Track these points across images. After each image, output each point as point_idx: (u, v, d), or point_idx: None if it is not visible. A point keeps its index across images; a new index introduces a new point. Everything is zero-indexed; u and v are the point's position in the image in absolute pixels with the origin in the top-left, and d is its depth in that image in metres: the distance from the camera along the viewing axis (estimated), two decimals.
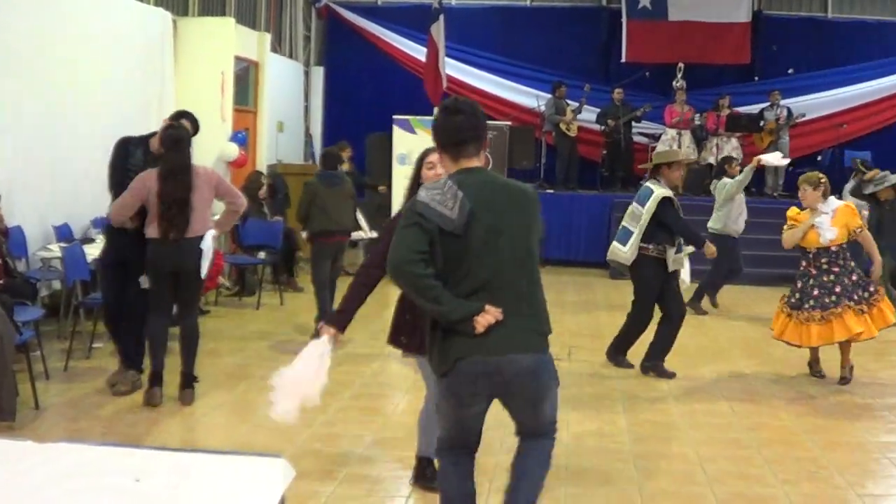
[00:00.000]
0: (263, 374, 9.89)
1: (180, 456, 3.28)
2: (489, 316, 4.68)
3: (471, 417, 4.97)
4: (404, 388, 9.73)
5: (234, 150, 16.04)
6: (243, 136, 16.80)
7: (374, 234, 15.52)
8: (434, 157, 6.04)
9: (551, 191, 20.22)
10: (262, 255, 14.98)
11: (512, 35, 22.70)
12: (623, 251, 10.40)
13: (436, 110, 5.10)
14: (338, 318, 5.76)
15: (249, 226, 14.96)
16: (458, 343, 4.74)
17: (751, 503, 6.74)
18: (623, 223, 10.53)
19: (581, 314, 14.43)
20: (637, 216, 10.28)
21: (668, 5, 22.12)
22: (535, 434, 5.10)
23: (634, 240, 10.28)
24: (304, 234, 12.47)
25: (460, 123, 4.88)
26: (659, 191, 10.26)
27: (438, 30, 19.73)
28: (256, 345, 11.66)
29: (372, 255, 6.03)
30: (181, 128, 8.87)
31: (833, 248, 10.06)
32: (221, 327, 12.56)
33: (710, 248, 10.52)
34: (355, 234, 13.01)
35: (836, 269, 10.03)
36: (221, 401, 8.95)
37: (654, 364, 10.50)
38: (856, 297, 9.88)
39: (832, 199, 10.24)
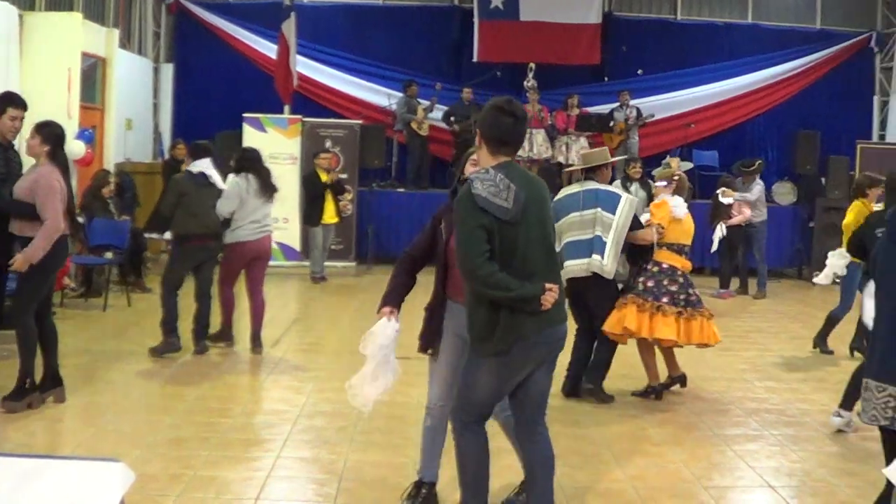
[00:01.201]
0: (110, 377, 10.01)
1: (18, 461, 3.23)
2: (552, 294, 5.32)
3: (510, 388, 5.59)
4: (252, 388, 9.87)
5: (80, 148, 15.88)
6: (90, 134, 16.64)
7: None
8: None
9: (402, 190, 20.50)
10: (108, 255, 14.78)
11: (364, 33, 22.84)
12: (605, 264, 9.49)
13: (486, 108, 5.47)
14: (390, 298, 6.46)
15: (96, 225, 14.83)
16: (523, 321, 5.30)
17: (599, 496, 6.96)
18: (581, 234, 9.58)
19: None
20: (607, 224, 9.49)
21: (520, 6, 22.46)
22: (541, 407, 5.71)
23: (612, 251, 9.48)
24: (165, 236, 12.00)
25: (512, 127, 5.39)
26: (625, 194, 9.79)
27: (290, 28, 19.81)
28: (102, 347, 11.55)
29: (415, 242, 6.39)
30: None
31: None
32: (67, 329, 12.31)
33: None
34: None
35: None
36: (66, 404, 8.85)
37: (597, 387, 9.95)
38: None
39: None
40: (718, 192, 16.90)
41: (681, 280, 9.74)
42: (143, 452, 7.50)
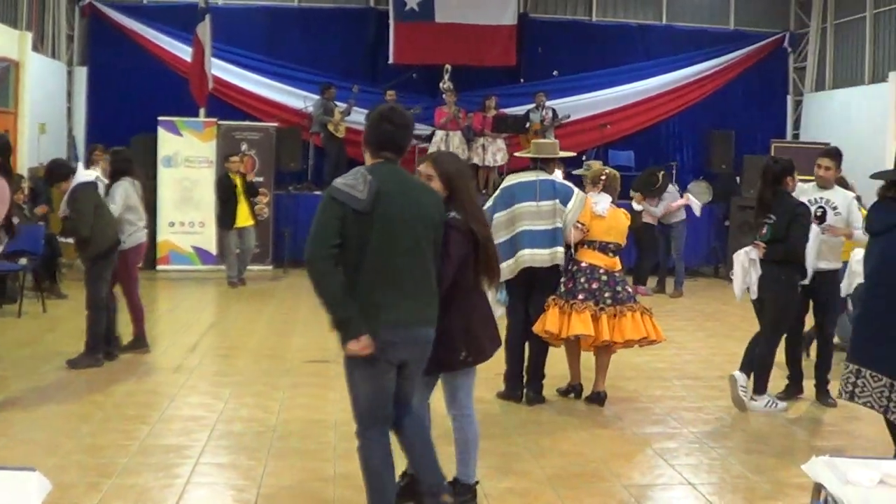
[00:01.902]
0: (24, 385, 9.87)
1: None
2: (363, 349, 5.49)
3: (386, 390, 5.73)
4: (170, 395, 9.79)
5: None
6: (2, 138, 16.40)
7: None
8: (423, 168, 6.38)
9: (319, 192, 20.34)
10: (22, 261, 14.55)
11: (279, 36, 22.74)
12: (558, 252, 9.48)
13: (372, 114, 5.82)
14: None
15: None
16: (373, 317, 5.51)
17: (518, 496, 7.01)
18: (541, 224, 9.42)
19: None
20: (560, 213, 9.41)
21: (435, 7, 22.50)
22: (408, 405, 5.95)
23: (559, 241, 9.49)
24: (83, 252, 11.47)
25: (392, 133, 5.70)
26: (577, 189, 9.69)
27: (204, 30, 19.67)
28: (16, 354, 11.39)
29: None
30: None
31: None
32: None
33: None
34: None
35: None
36: None
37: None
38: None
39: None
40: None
41: (603, 278, 9.62)
42: (60, 461, 7.41)
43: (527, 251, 9.35)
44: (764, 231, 9.50)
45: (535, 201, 9.40)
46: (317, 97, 21.05)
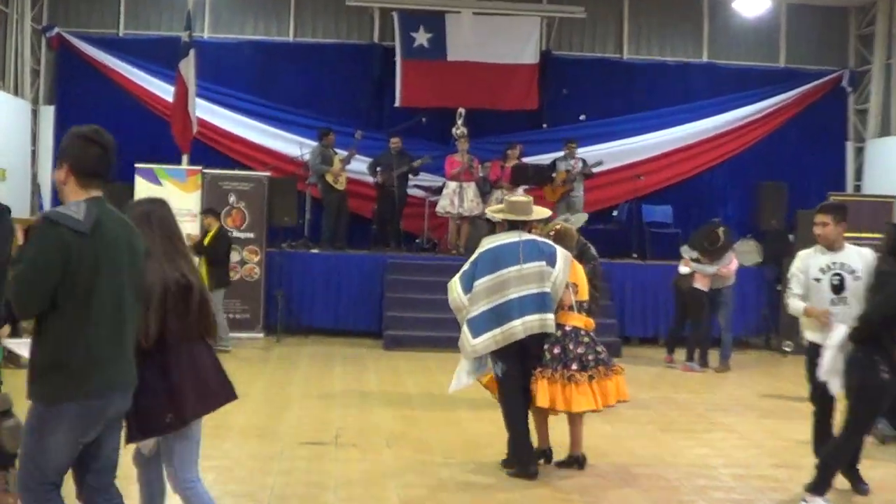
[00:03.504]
0: None
1: None
2: None
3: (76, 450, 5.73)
4: None
5: None
6: None
7: None
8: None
9: (316, 250, 20.35)
10: None
11: (272, 74, 22.80)
12: (548, 319, 9.77)
13: (71, 137, 5.75)
14: None
15: None
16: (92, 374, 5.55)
17: None
18: (526, 289, 9.68)
19: (350, 391, 14.46)
20: (548, 275, 9.73)
21: (447, 44, 22.57)
22: (114, 470, 6.07)
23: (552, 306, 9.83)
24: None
25: (101, 156, 5.69)
26: (559, 247, 10.03)
27: (188, 66, 19.71)
28: None
29: None
30: None
31: None
32: None
33: None
34: None
35: None
36: None
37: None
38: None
39: None
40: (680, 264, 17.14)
41: (586, 340, 10.00)
42: None
43: (517, 322, 9.62)
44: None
45: (517, 265, 9.68)
46: (314, 143, 21.00)
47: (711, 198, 23.19)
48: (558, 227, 10.77)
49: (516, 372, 9.83)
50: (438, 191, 21.02)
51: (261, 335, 19.39)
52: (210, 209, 18.13)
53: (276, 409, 13.01)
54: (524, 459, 9.91)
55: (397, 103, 22.50)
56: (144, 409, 6.09)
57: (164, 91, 21.65)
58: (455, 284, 9.92)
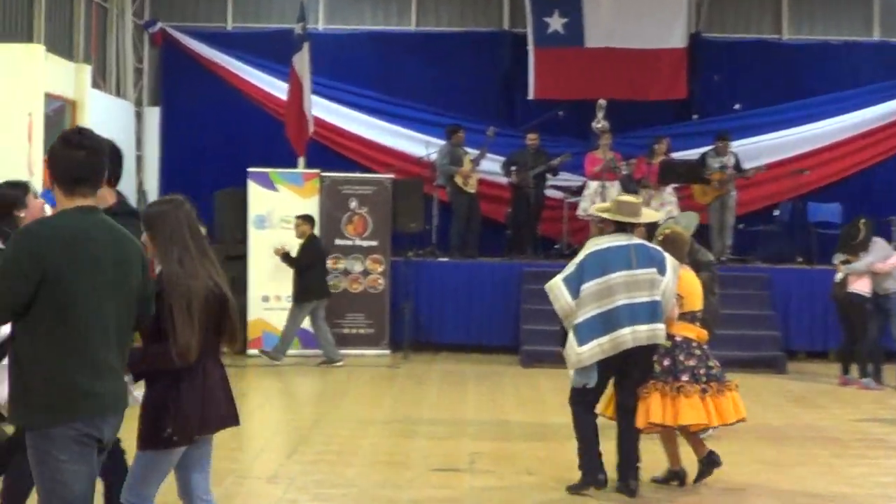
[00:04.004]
0: None
1: None
2: None
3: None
4: None
5: (45, 212, 15.72)
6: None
7: None
8: None
9: (445, 259, 20.28)
10: None
11: (394, 67, 22.87)
12: (658, 330, 9.80)
13: (54, 144, 5.71)
14: None
15: None
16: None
17: None
18: (638, 296, 9.70)
19: (485, 413, 14.34)
20: (658, 283, 9.76)
21: (585, 29, 22.39)
22: None
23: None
24: None
25: (81, 160, 5.59)
26: (667, 254, 10.05)
27: (302, 61, 19.77)
28: None
29: None
30: None
31: None
32: None
33: None
34: None
35: None
36: None
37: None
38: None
39: None
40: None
41: (697, 352, 10.10)
42: None
43: (627, 329, 9.60)
44: None
45: (630, 269, 9.70)
46: (442, 142, 20.96)
47: (885, 194, 22.45)
48: (667, 231, 10.68)
49: (602, 388, 9.90)
50: (579, 191, 20.85)
51: (386, 352, 19.36)
52: (305, 216, 18.19)
53: (403, 432, 12.95)
54: (593, 467, 9.89)
55: (530, 96, 22.39)
56: (145, 419, 6.25)
57: (276, 88, 21.79)
58: (559, 288, 9.88)
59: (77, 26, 19.96)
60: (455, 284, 19.70)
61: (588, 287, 9.63)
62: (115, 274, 5.57)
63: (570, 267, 9.89)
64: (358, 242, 19.11)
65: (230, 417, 6.65)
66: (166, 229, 6.34)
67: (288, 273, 18.03)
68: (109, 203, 7.74)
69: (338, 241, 19.18)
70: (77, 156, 5.56)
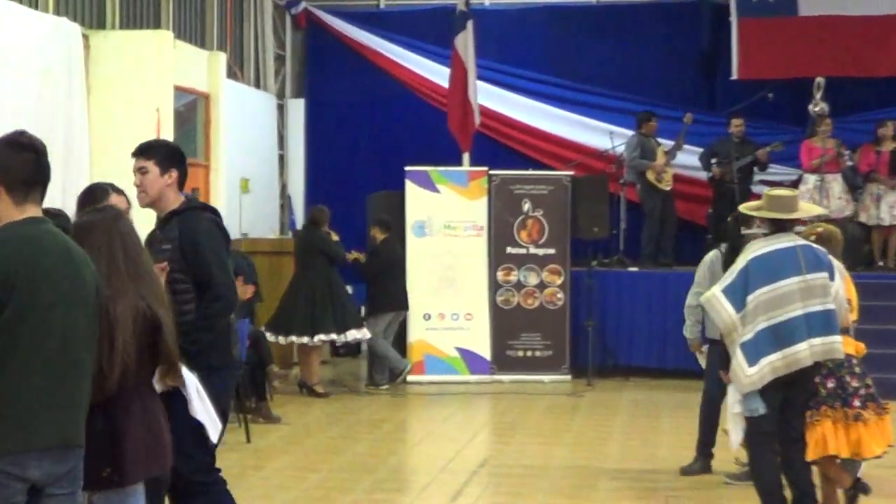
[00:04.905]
0: None
1: None
2: None
3: None
4: None
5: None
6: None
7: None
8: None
9: (636, 268, 20.14)
10: None
11: (571, 46, 22.90)
12: (836, 343, 9.66)
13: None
14: None
15: None
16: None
17: None
18: (809, 306, 9.59)
19: (685, 453, 14.15)
20: (829, 290, 9.66)
21: None
22: None
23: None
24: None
25: (36, 163, 5.78)
26: (832, 257, 9.98)
27: (466, 42, 19.83)
28: None
29: None
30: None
31: None
32: None
33: None
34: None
35: None
36: None
37: None
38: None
39: None
40: None
41: (857, 370, 9.97)
42: None
43: (803, 344, 9.42)
44: None
45: (800, 275, 9.51)
46: (630, 132, 20.89)
47: None
48: (820, 229, 10.57)
49: (775, 412, 9.61)
50: (794, 186, 20.57)
51: (567, 377, 19.30)
52: (380, 219, 18.38)
53: (588, 472, 12.95)
54: None
55: (734, 76, 22.13)
56: (84, 457, 6.14)
57: (437, 74, 21.92)
58: (718, 301, 9.71)
59: (210, 10, 20.27)
60: (647, 298, 19.56)
61: (755, 297, 9.46)
62: (75, 295, 5.74)
63: (730, 275, 9.73)
64: (533, 251, 19.13)
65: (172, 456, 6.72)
66: (94, 243, 6.38)
67: (453, 288, 18.17)
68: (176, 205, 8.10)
69: (509, 250, 19.21)
70: (29, 158, 5.74)
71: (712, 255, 12.29)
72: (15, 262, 5.54)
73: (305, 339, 17.04)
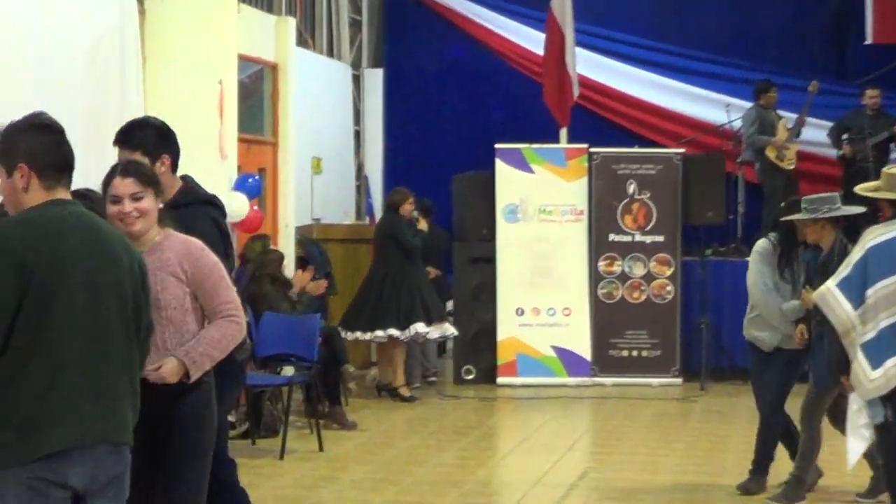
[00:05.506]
0: None
1: None
2: None
3: None
4: None
5: (241, 205, 15.97)
6: (256, 183, 16.78)
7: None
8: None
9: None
10: (288, 371, 14.79)
11: (679, 8, 22.87)
12: None
13: (14, 132, 5.89)
14: None
15: (266, 324, 14.83)
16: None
17: None
18: None
19: None
20: None
21: None
22: None
23: None
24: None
25: (61, 144, 5.89)
26: None
27: (563, 5, 19.73)
28: None
29: None
30: None
31: None
32: None
33: None
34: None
35: None
36: None
37: None
38: None
39: None
40: None
41: None
42: None
43: None
44: None
45: None
46: (748, 105, 20.79)
47: None
48: None
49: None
50: None
51: (678, 381, 19.21)
52: (421, 205, 18.37)
53: (700, 488, 12.89)
54: None
55: (868, 40, 21.89)
56: None
57: (531, 41, 21.93)
58: (833, 297, 9.57)
59: None
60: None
61: (875, 291, 9.29)
62: (111, 277, 5.81)
63: (846, 268, 9.56)
64: (639, 238, 19.04)
65: None
66: None
67: (549, 280, 18.11)
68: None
69: (612, 237, 19.11)
70: (54, 139, 5.83)
71: (765, 245, 11.89)
72: (33, 244, 5.57)
73: (378, 334, 17.09)
